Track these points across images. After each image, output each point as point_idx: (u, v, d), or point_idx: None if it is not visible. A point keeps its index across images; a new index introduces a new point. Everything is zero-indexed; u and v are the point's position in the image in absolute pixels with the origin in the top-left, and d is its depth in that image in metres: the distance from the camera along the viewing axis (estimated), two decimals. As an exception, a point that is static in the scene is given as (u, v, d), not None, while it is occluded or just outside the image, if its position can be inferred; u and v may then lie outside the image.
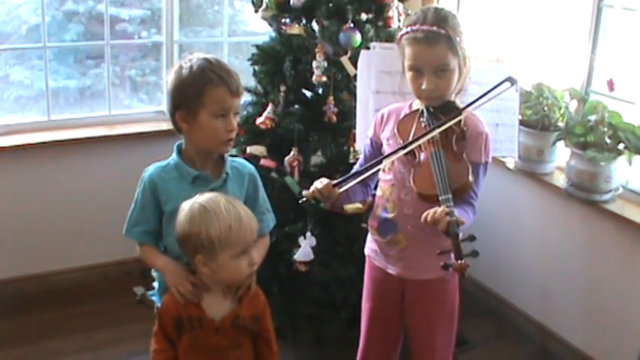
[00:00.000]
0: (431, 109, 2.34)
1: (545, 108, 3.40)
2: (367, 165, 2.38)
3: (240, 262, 2.09)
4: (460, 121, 2.29)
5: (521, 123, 3.28)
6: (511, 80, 2.36)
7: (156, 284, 2.40)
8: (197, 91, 2.18)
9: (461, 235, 2.07)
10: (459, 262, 2.04)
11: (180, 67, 2.22)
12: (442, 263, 2.10)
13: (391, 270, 2.47)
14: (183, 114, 2.22)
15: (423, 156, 2.27)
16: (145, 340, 2.30)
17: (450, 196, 2.13)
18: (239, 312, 2.16)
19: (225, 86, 2.18)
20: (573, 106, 3.42)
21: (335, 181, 2.33)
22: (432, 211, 2.12)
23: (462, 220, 2.10)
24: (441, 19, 2.27)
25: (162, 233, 2.30)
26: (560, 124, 3.40)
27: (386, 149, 2.43)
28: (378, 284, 2.55)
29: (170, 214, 2.21)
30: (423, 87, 2.28)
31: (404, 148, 2.29)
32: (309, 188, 2.72)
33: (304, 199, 2.35)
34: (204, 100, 2.18)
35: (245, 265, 2.10)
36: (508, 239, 3.76)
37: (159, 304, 2.32)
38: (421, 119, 2.33)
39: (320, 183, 2.32)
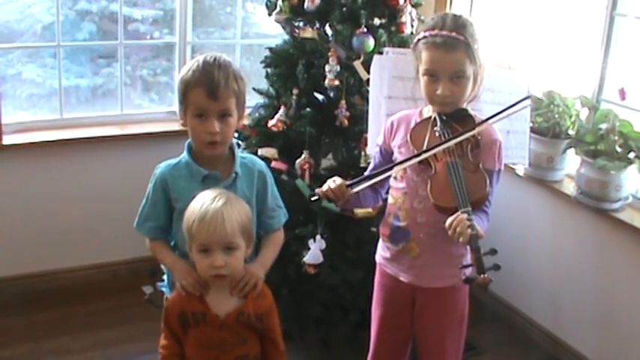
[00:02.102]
0: (444, 117, 2.33)
1: (556, 116, 3.40)
2: (382, 169, 2.36)
3: (202, 259, 2.10)
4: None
5: (532, 130, 3.28)
6: (530, 98, 2.37)
7: (165, 276, 2.44)
8: (183, 90, 2.22)
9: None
10: (482, 276, 2.04)
11: (188, 65, 2.24)
12: (464, 277, 2.10)
13: (403, 278, 2.46)
14: (181, 112, 2.27)
15: (438, 166, 2.26)
16: (153, 339, 2.31)
17: (469, 209, 2.13)
18: (243, 309, 2.17)
19: (202, 88, 2.17)
20: (584, 114, 3.43)
21: (348, 182, 2.33)
22: (454, 222, 2.11)
23: (482, 233, 2.11)
24: (460, 25, 2.27)
25: (172, 229, 2.32)
26: (571, 132, 3.40)
27: (397, 157, 2.42)
28: (389, 292, 2.54)
29: (180, 211, 2.22)
30: (438, 92, 2.27)
31: (418, 156, 2.28)
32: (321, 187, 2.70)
33: (317, 196, 2.34)
34: (187, 101, 2.22)
35: (205, 264, 2.09)
36: (517, 246, 3.75)
37: (168, 295, 2.36)
38: (435, 128, 2.32)
39: (333, 182, 2.31)
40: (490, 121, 2.33)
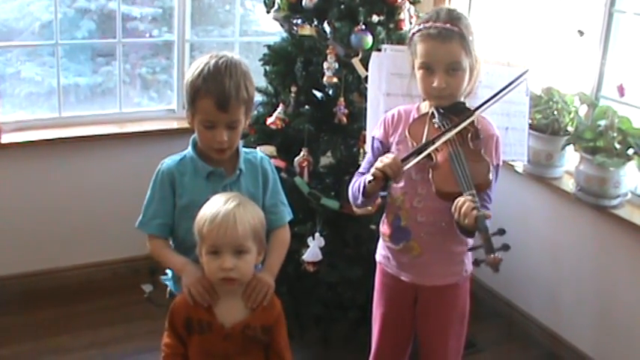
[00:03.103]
0: (441, 110, 2.31)
1: (555, 112, 3.40)
2: (425, 143, 2.26)
3: (211, 261, 2.06)
4: (473, 120, 2.28)
5: (531, 127, 3.27)
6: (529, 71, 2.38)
7: (169, 270, 2.39)
8: (192, 96, 2.19)
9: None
10: (492, 256, 2.01)
11: (198, 64, 2.20)
12: (473, 259, 2.09)
13: (404, 277, 2.45)
14: (188, 112, 2.25)
15: (439, 157, 2.24)
16: (153, 337, 2.31)
17: (474, 191, 2.11)
18: (250, 321, 2.13)
19: (212, 100, 2.13)
20: (583, 110, 3.42)
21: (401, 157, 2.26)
22: (459, 203, 2.10)
23: (489, 213, 2.10)
24: (454, 17, 2.27)
25: (174, 225, 2.30)
26: (570, 128, 3.39)
27: (395, 153, 2.41)
28: (390, 291, 2.53)
29: (183, 207, 2.22)
30: (434, 84, 2.25)
31: (425, 147, 2.24)
32: (320, 189, 2.67)
33: (372, 177, 2.23)
34: (195, 107, 2.19)
35: (215, 266, 2.05)
36: (516, 243, 3.68)
37: (172, 289, 2.35)
38: (433, 120, 2.31)
39: (387, 158, 2.23)
40: (487, 104, 2.32)
